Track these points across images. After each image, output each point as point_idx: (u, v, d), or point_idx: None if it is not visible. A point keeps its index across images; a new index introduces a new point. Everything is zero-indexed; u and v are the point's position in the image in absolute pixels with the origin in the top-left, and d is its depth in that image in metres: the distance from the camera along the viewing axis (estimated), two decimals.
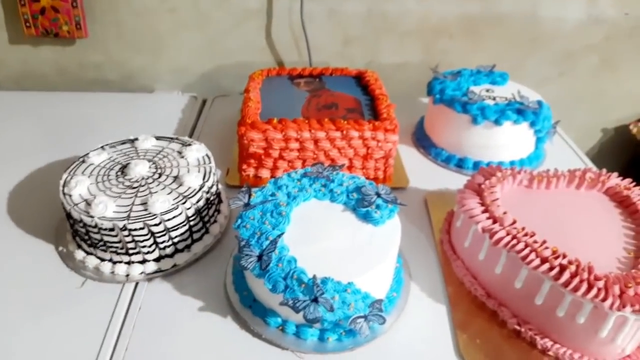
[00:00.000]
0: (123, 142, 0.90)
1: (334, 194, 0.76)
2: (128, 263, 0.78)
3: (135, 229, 0.74)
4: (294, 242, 0.68)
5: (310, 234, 0.70)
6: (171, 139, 0.91)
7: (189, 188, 0.79)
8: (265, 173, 0.99)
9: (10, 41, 1.33)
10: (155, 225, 0.74)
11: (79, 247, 0.80)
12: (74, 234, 0.80)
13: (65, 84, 1.39)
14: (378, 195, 0.75)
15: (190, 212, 0.78)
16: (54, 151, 1.07)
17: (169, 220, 0.75)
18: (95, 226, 0.73)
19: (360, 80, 1.14)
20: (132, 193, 0.78)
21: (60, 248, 0.82)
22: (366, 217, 0.72)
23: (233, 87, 1.41)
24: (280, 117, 0.95)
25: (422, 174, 1.04)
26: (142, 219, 0.73)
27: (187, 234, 0.79)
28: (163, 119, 1.23)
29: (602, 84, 1.44)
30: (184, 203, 0.77)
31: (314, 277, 0.62)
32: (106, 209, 0.74)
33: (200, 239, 0.82)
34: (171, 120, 1.23)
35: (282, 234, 0.67)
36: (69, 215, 0.76)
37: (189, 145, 0.89)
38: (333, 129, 0.93)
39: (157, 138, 0.91)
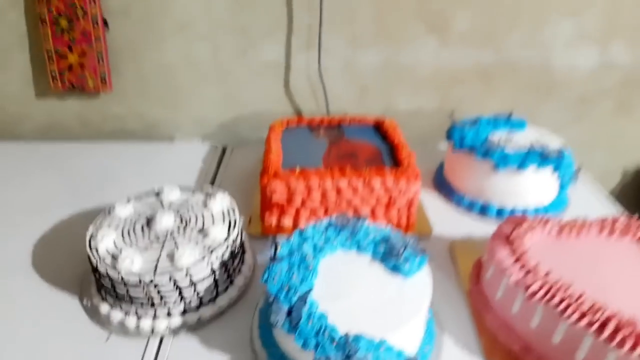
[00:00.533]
0: (148, 194, 0.91)
1: (360, 245, 0.76)
2: (153, 317, 0.77)
3: (161, 284, 0.73)
4: (323, 297, 0.66)
5: (339, 287, 0.69)
6: (194, 190, 0.92)
7: (215, 240, 0.79)
8: (287, 222, 0.98)
9: (37, 95, 1.37)
10: (182, 278, 0.74)
11: (104, 299, 0.80)
12: (99, 287, 0.80)
13: (88, 134, 1.42)
14: (406, 246, 0.74)
15: (216, 265, 0.77)
16: (78, 202, 1.08)
17: (195, 273, 0.75)
18: (122, 281, 0.73)
19: (378, 129, 1.16)
20: (159, 246, 0.78)
21: (85, 301, 0.81)
22: (395, 269, 0.71)
23: (252, 135, 1.44)
24: (302, 167, 0.96)
25: (445, 220, 1.03)
26: (168, 273, 0.73)
27: (213, 286, 0.79)
28: (184, 168, 1.25)
29: (619, 127, 1.44)
30: (210, 255, 0.76)
31: (347, 335, 0.61)
32: (132, 264, 0.73)
33: (225, 290, 0.81)
34: (192, 169, 1.24)
35: (311, 289, 0.66)
36: (95, 269, 0.76)
37: (213, 195, 0.89)
38: (355, 178, 0.94)
39: (182, 189, 0.92)
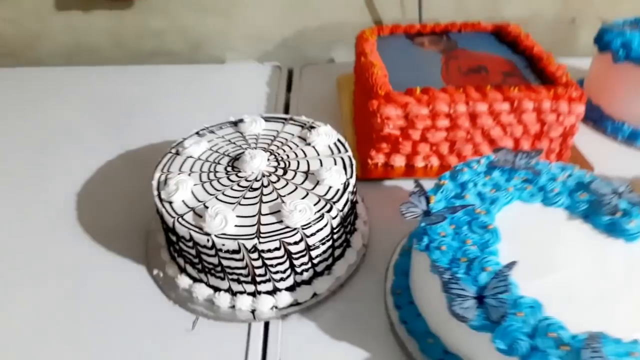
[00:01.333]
0: (222, 126, 0.68)
1: (548, 194, 0.53)
2: (253, 294, 0.57)
3: (268, 250, 0.52)
4: (519, 273, 0.45)
5: (537, 259, 0.47)
6: (285, 120, 0.69)
7: (330, 188, 0.57)
8: (399, 161, 0.75)
9: (58, 8, 1.12)
10: (295, 243, 0.53)
11: (182, 270, 0.60)
12: (173, 253, 0.60)
13: (122, 58, 1.18)
14: (618, 194, 0.51)
15: (335, 222, 0.56)
16: (118, 139, 0.86)
17: (311, 235, 0.54)
18: (212, 247, 0.52)
19: (500, 37, 0.89)
20: (255, 198, 0.56)
21: (156, 271, 0.61)
22: (613, 230, 0.49)
23: (319, 55, 1.18)
24: (419, 86, 0.71)
25: (602, 156, 0.79)
26: (277, 236, 0.52)
27: (330, 251, 0.58)
28: (244, 95, 1.00)
29: None
30: (329, 210, 0.55)
31: (583, 336, 0.40)
32: (226, 224, 0.52)
33: (341, 256, 0.60)
34: (255, 96, 1.00)
35: (515, 262, 0.44)
36: (169, 230, 0.55)
37: (312, 127, 0.66)
38: (499, 100, 0.69)
39: (266, 119, 0.69)
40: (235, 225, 0.52)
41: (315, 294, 0.57)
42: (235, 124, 0.68)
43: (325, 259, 0.57)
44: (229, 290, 0.56)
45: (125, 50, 1.17)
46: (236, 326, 0.56)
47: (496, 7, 1.10)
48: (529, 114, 0.70)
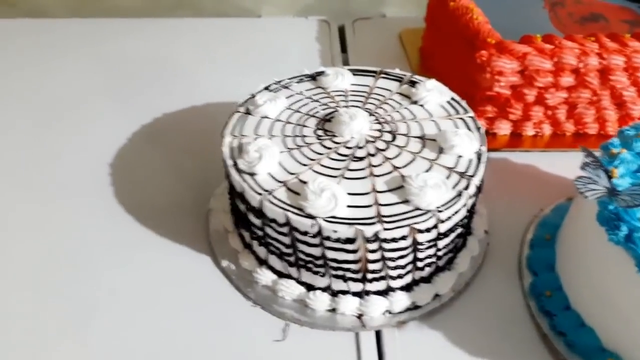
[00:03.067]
0: (299, 80, 0.54)
1: None
2: (359, 294, 0.44)
3: (392, 239, 0.39)
4: None
5: None
6: (375, 73, 0.55)
7: (460, 158, 0.44)
8: (504, 128, 0.62)
9: None
10: (427, 230, 0.40)
11: (263, 262, 0.46)
12: (250, 241, 0.46)
13: (139, 9, 1.01)
14: None
15: (471, 203, 0.43)
16: (145, 101, 0.71)
17: (446, 220, 0.40)
18: (318, 234, 0.39)
19: None
20: (363, 170, 0.43)
21: (225, 263, 0.48)
22: None
23: (367, 10, 1.03)
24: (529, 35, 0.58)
25: None
26: (405, 220, 0.39)
27: (456, 240, 0.45)
28: (291, 53, 0.85)
29: None
30: (466, 187, 0.41)
31: None
32: (335, 203, 0.39)
33: (463, 246, 0.48)
34: (304, 54, 0.85)
35: None
36: (253, 211, 0.42)
37: (413, 82, 0.52)
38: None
39: (354, 72, 0.54)
40: (348, 206, 0.39)
41: (437, 295, 0.45)
42: (313, 77, 0.54)
43: (450, 251, 0.45)
44: (328, 289, 0.43)
45: (143, 0, 1.01)
46: (338, 335, 0.43)
47: None
48: None
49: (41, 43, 0.88)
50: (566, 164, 0.61)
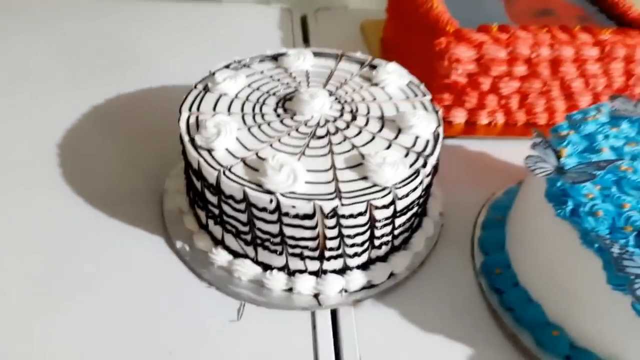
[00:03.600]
0: (259, 59, 0.53)
1: None
2: (316, 273, 0.44)
3: (350, 215, 0.39)
4: None
5: None
6: (336, 56, 0.55)
7: (417, 138, 0.44)
8: (459, 116, 0.63)
9: None
10: (384, 207, 0.40)
11: (218, 242, 0.46)
12: (206, 220, 0.45)
13: None
14: None
15: (427, 181, 0.43)
16: (101, 81, 0.69)
17: (402, 197, 0.41)
18: (276, 210, 0.39)
19: None
20: (323, 148, 0.43)
21: (180, 244, 0.47)
22: None
23: (329, 0, 1.03)
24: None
25: None
26: (363, 196, 0.39)
27: (412, 219, 0.45)
28: (253, 40, 0.83)
29: None
30: (423, 166, 0.42)
31: None
32: (295, 179, 0.39)
33: (418, 226, 0.48)
34: (265, 41, 0.83)
35: None
36: (210, 188, 0.41)
37: (373, 66, 0.53)
38: (589, 44, 0.58)
39: (315, 54, 0.54)
40: (307, 182, 0.39)
41: (392, 274, 0.45)
42: (274, 58, 0.53)
43: (406, 230, 0.45)
44: (284, 268, 0.43)
45: None
46: (294, 314, 0.43)
47: None
48: (618, 63, 0.60)
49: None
50: (517, 152, 0.62)
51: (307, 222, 0.39)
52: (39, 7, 0.87)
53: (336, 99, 0.48)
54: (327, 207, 0.38)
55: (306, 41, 0.87)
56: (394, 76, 0.50)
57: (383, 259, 0.45)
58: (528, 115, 0.64)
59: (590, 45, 0.58)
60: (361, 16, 0.92)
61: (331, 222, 0.39)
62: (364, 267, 0.44)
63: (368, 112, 0.47)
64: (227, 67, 0.51)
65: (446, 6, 0.64)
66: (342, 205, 0.38)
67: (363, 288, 0.44)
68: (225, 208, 0.41)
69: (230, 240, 0.44)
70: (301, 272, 0.43)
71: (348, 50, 0.56)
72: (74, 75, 0.71)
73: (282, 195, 0.38)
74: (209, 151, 0.41)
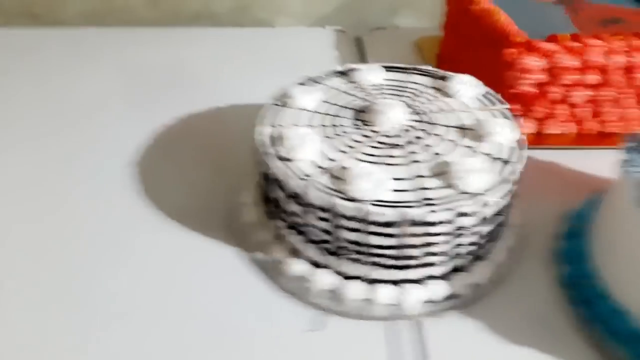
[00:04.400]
0: (328, 76, 0.54)
1: None
2: (397, 283, 0.43)
3: (440, 222, 0.39)
4: None
5: None
6: (407, 69, 0.55)
7: (501, 146, 0.44)
8: (529, 127, 0.62)
9: None
10: (472, 214, 0.40)
11: (297, 252, 0.46)
12: (282, 230, 0.46)
13: (158, 19, 1.03)
14: None
15: (513, 189, 0.43)
16: (166, 107, 0.71)
17: (490, 205, 0.40)
18: (363, 218, 0.39)
19: None
20: (405, 157, 0.43)
21: (258, 254, 0.47)
22: None
23: (381, 21, 1.04)
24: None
25: None
26: (450, 203, 0.39)
27: (497, 228, 0.44)
28: (310, 62, 0.85)
29: None
30: (512, 173, 0.41)
31: None
32: (381, 187, 0.39)
33: (500, 236, 0.47)
34: (323, 62, 0.85)
35: None
36: (293, 197, 0.42)
37: (445, 78, 0.53)
38: None
39: (387, 68, 0.55)
40: (393, 190, 0.39)
41: (474, 285, 0.44)
42: (345, 73, 0.54)
43: (490, 239, 0.44)
44: (364, 277, 0.43)
45: (162, 10, 1.03)
46: (374, 325, 0.42)
47: None
48: None
49: (62, 52, 0.89)
50: (591, 162, 0.62)
51: (393, 230, 0.39)
52: (94, 39, 0.93)
53: (412, 109, 0.48)
54: (415, 214, 0.38)
55: (363, 61, 0.89)
56: (469, 86, 0.50)
57: (465, 269, 0.44)
58: (601, 124, 0.62)
59: None
60: (414, 34, 0.93)
61: (418, 230, 0.39)
62: (446, 277, 0.43)
63: (447, 121, 0.47)
64: (300, 84, 0.53)
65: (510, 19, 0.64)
66: (431, 212, 0.38)
67: (445, 299, 0.43)
68: (309, 218, 0.41)
69: (309, 249, 0.44)
70: (381, 281, 0.43)
71: None
72: (142, 100, 0.75)
73: (370, 203, 0.38)
74: (293, 162, 0.42)
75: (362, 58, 0.89)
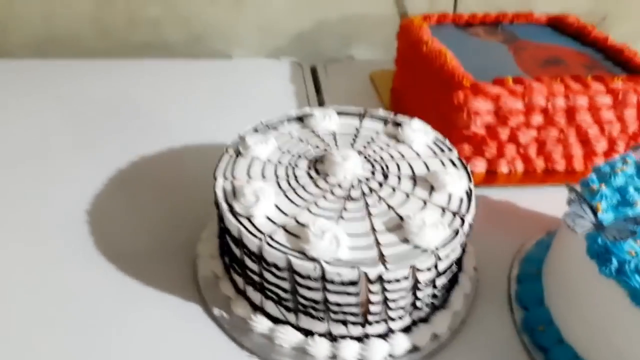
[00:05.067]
0: (283, 121, 0.54)
1: None
2: (359, 339, 0.43)
3: (395, 280, 0.39)
4: None
5: None
6: (359, 114, 0.56)
7: (451, 196, 0.45)
8: (480, 166, 0.64)
9: None
10: (428, 269, 0.40)
11: (257, 309, 0.45)
12: (244, 287, 0.45)
13: (107, 50, 1.00)
14: None
15: (465, 240, 0.44)
16: (118, 143, 0.69)
17: (444, 258, 0.41)
18: (321, 277, 0.38)
19: (560, 29, 0.81)
20: (360, 211, 0.43)
21: (217, 311, 0.46)
22: None
23: (336, 52, 1.05)
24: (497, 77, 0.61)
25: None
26: (407, 260, 0.39)
27: (450, 278, 0.45)
28: (267, 94, 0.86)
29: None
30: (462, 225, 0.42)
31: None
32: (338, 245, 0.39)
33: (455, 284, 0.48)
34: (279, 95, 0.86)
35: None
36: (252, 256, 0.41)
37: (397, 123, 0.54)
38: (602, 93, 0.60)
39: (339, 113, 0.55)
40: (349, 248, 0.39)
41: (435, 335, 0.45)
42: (300, 118, 0.54)
43: (446, 289, 0.45)
44: (327, 334, 0.42)
45: (111, 40, 1.00)
46: None
47: (529, 1, 1.04)
48: (631, 109, 0.61)
49: (4, 84, 0.85)
50: (539, 199, 0.65)
51: (351, 289, 0.39)
52: (40, 71, 0.89)
53: (366, 158, 0.49)
54: (372, 273, 0.38)
55: (318, 92, 0.89)
56: (419, 133, 0.51)
57: (425, 320, 0.44)
58: (547, 162, 0.65)
59: (604, 94, 0.60)
60: (369, 67, 0.94)
61: (375, 287, 0.39)
62: (407, 329, 0.43)
63: (399, 171, 0.47)
64: (255, 129, 0.52)
65: (457, 58, 0.66)
66: (387, 270, 0.38)
67: (408, 352, 0.43)
68: (267, 275, 0.41)
69: (270, 306, 0.43)
70: (344, 337, 0.42)
71: (360, 101, 0.57)
72: (88, 139, 0.72)
73: (327, 262, 0.38)
74: (249, 219, 0.41)
75: (318, 90, 0.90)
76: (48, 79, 0.87)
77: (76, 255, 0.52)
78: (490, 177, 0.65)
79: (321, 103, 0.84)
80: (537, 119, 0.61)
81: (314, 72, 0.95)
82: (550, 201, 0.59)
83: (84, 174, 0.64)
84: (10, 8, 0.94)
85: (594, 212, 0.40)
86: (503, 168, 0.64)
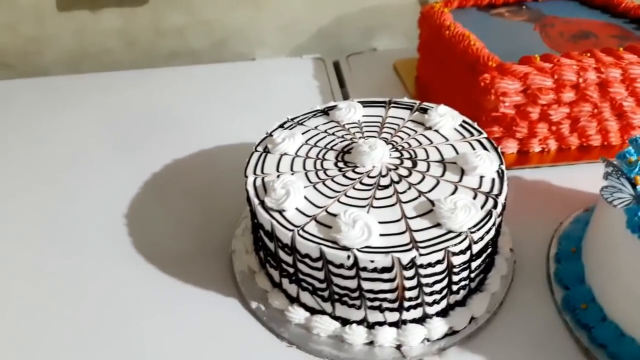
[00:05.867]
0: (313, 115, 0.55)
1: None
2: (396, 324, 0.43)
3: (428, 264, 0.39)
4: None
5: None
6: (384, 103, 0.56)
7: (483, 179, 0.44)
8: (511, 147, 0.63)
9: (59, 6, 0.97)
10: (461, 252, 0.40)
11: (294, 300, 0.46)
12: (280, 279, 0.46)
13: (136, 61, 1.03)
14: None
15: (499, 220, 0.43)
16: (154, 150, 0.71)
17: (478, 240, 0.41)
18: (354, 265, 0.39)
19: (587, 2, 0.78)
20: (390, 198, 0.43)
21: (255, 304, 0.47)
22: None
23: (358, 45, 1.05)
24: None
25: None
26: (439, 244, 0.39)
27: (487, 260, 0.45)
28: (291, 92, 0.87)
29: None
30: (494, 206, 0.42)
31: None
32: (369, 233, 0.39)
33: (492, 265, 0.48)
34: (304, 91, 0.86)
35: None
36: (285, 248, 0.41)
37: (424, 109, 0.54)
38: (636, 63, 0.58)
39: (364, 104, 0.56)
40: (381, 235, 0.39)
41: (472, 318, 0.44)
42: (325, 112, 0.55)
43: (482, 271, 0.45)
44: (363, 321, 0.43)
45: (139, 51, 1.03)
46: None
47: None
48: None
49: (42, 101, 0.88)
50: (574, 177, 0.63)
51: (385, 275, 0.39)
52: (75, 86, 0.92)
53: (393, 146, 0.49)
54: (405, 258, 0.38)
55: (342, 86, 0.90)
56: (447, 118, 0.51)
57: (462, 303, 0.44)
58: (581, 139, 0.63)
59: (637, 64, 0.58)
60: (392, 56, 0.94)
61: (409, 272, 0.39)
62: (443, 313, 0.43)
63: (427, 157, 0.47)
64: (281, 126, 0.53)
65: (482, 41, 0.65)
66: (420, 255, 0.38)
67: (445, 335, 0.43)
68: (301, 267, 0.41)
69: (306, 297, 0.44)
70: (381, 324, 0.43)
71: (385, 91, 0.57)
72: (124, 146, 0.75)
73: (359, 250, 0.38)
74: (280, 212, 0.42)
75: (342, 84, 0.90)
76: (83, 92, 0.91)
77: (119, 255, 0.54)
78: (523, 158, 0.64)
79: (346, 97, 0.84)
80: (569, 95, 0.59)
81: (336, 66, 0.95)
82: (585, 178, 0.58)
83: (120, 180, 0.66)
84: (43, 29, 0.98)
85: (633, 184, 0.39)
86: (535, 147, 0.63)
